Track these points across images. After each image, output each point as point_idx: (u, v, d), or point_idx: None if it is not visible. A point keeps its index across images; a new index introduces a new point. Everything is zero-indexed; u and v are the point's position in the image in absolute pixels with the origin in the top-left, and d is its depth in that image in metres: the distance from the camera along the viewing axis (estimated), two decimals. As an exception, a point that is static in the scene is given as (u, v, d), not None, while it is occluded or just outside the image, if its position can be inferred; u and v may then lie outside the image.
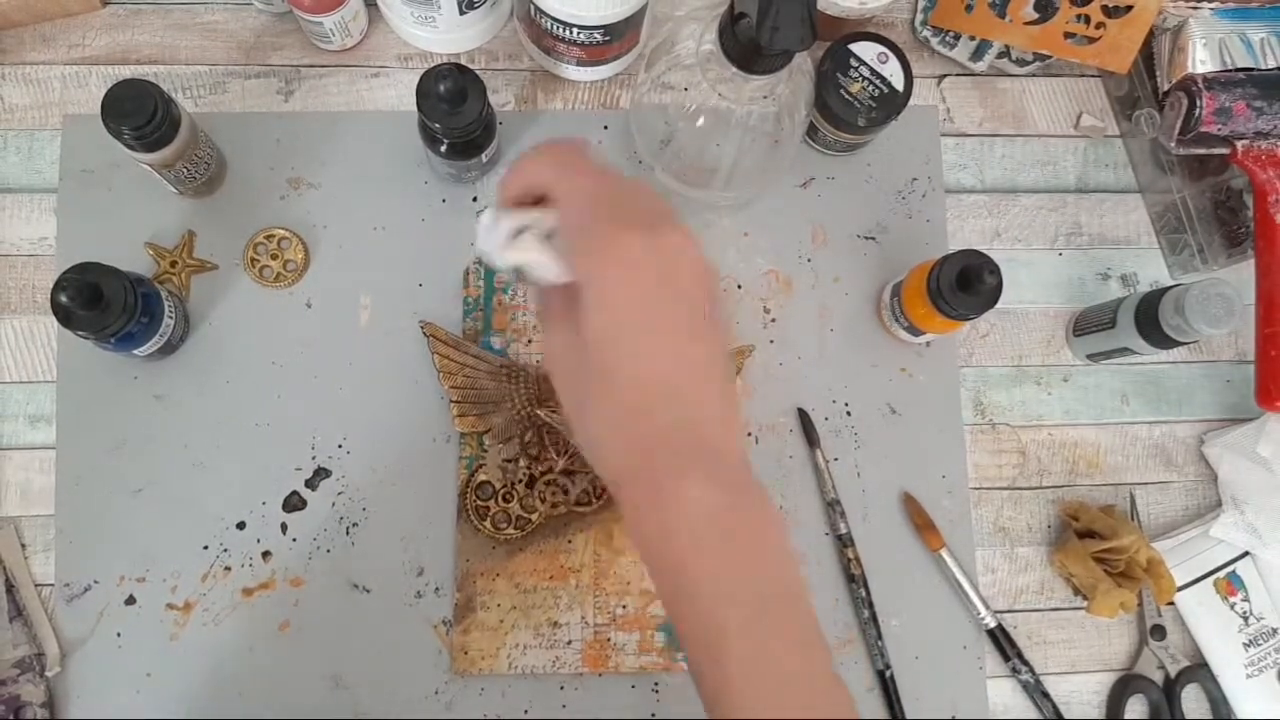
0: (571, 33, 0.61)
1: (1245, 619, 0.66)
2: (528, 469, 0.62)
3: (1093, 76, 0.73)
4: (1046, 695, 0.64)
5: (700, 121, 0.57)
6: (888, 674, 0.63)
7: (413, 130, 0.61)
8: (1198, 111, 0.63)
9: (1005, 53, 0.70)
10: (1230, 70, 0.64)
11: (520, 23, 0.67)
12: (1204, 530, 0.67)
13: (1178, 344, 0.63)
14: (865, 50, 0.64)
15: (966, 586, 0.64)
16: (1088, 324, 0.67)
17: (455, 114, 0.56)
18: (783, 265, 0.68)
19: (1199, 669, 0.66)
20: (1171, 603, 0.66)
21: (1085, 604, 0.65)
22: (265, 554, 0.61)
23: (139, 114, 0.54)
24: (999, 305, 0.59)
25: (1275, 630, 0.67)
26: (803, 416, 0.66)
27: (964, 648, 0.64)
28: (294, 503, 0.62)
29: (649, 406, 0.36)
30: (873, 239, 0.69)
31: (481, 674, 0.61)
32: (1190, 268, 0.69)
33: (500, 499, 0.62)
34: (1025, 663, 0.64)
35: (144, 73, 0.66)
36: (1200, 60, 0.64)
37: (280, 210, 0.65)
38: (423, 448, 0.63)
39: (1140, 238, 0.71)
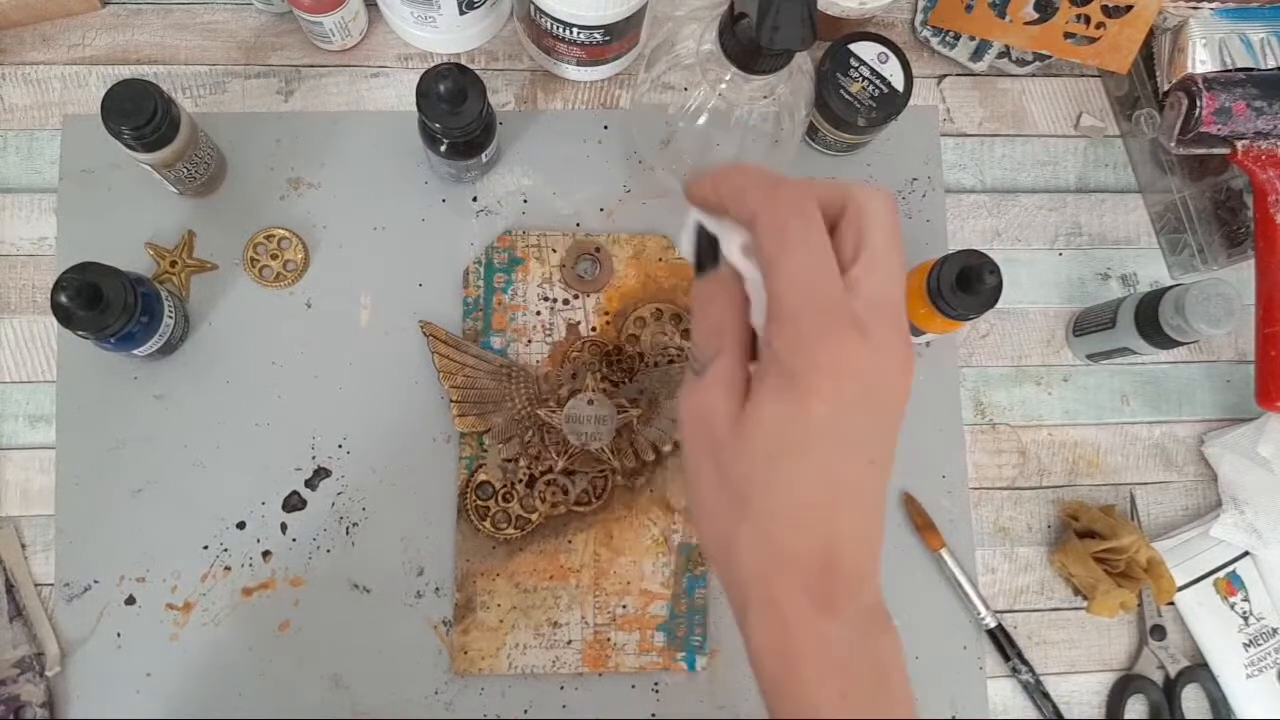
0: (571, 32, 0.61)
1: (1245, 619, 0.66)
2: (528, 469, 0.62)
3: (1093, 76, 0.73)
4: (1046, 695, 0.64)
5: (700, 121, 0.56)
6: (888, 674, 0.63)
7: (413, 130, 0.61)
8: (1198, 111, 0.63)
9: (1005, 53, 0.70)
10: (1230, 70, 0.64)
11: (520, 23, 0.67)
12: (1204, 530, 0.67)
13: (1178, 344, 0.62)
14: (865, 50, 0.64)
15: (967, 586, 0.64)
16: (1088, 324, 0.67)
17: (455, 114, 0.56)
18: (783, 265, 0.67)
19: (1199, 669, 0.66)
20: (1171, 603, 0.66)
21: (1085, 604, 0.65)
22: (265, 554, 0.61)
23: (139, 114, 0.54)
24: (999, 305, 0.59)
25: (1275, 630, 0.67)
26: (803, 416, 0.65)
27: (964, 648, 0.64)
28: (294, 502, 0.62)
29: (807, 519, 0.33)
30: (873, 239, 0.68)
31: (481, 674, 0.61)
32: (1190, 268, 0.69)
33: (500, 499, 0.62)
34: (1025, 663, 0.64)
35: (144, 73, 0.66)
36: (1200, 60, 0.64)
37: (280, 210, 0.65)
38: (423, 448, 0.63)
39: (1140, 238, 0.71)
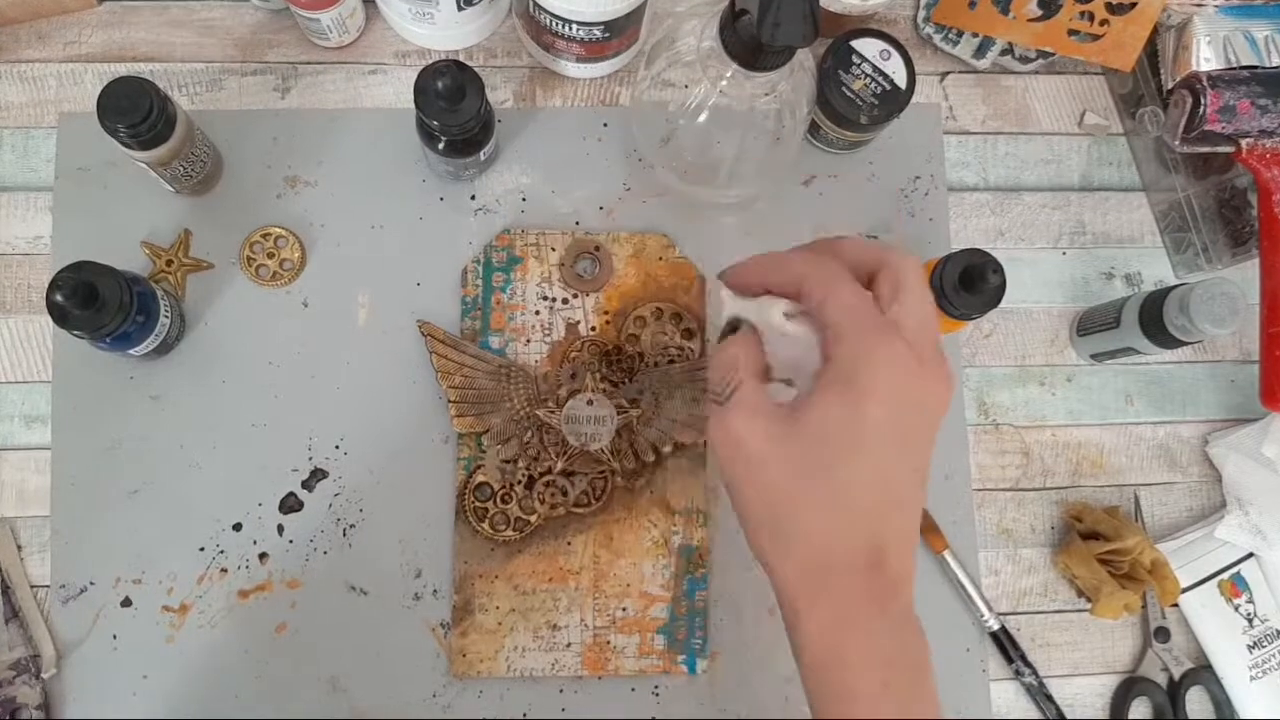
0: (571, 29, 0.61)
1: (1249, 621, 0.66)
2: (526, 470, 0.62)
3: (1096, 74, 0.72)
4: (1050, 698, 0.64)
5: (701, 119, 0.56)
6: (890, 676, 0.62)
7: (410, 128, 0.60)
8: (1202, 109, 0.62)
9: (1008, 50, 0.70)
10: (1235, 68, 0.64)
11: (519, 19, 0.66)
12: (1208, 532, 0.66)
13: (1182, 344, 0.62)
14: (867, 47, 0.63)
15: (970, 588, 0.64)
16: (1091, 324, 0.67)
17: (453, 111, 0.56)
18: (784, 264, 0.67)
19: (1203, 671, 0.65)
20: (1176, 605, 0.65)
21: (1089, 606, 0.65)
22: (262, 556, 0.61)
23: (135, 112, 0.53)
24: (1002, 305, 0.59)
25: (1279, 632, 0.66)
26: (804, 417, 0.65)
27: (967, 650, 0.64)
28: (291, 504, 0.62)
29: (861, 517, 0.36)
30: (875, 238, 0.68)
31: (480, 677, 0.60)
32: (1195, 267, 0.69)
33: (499, 500, 0.62)
34: (1029, 665, 0.64)
35: (140, 70, 0.65)
36: (1205, 58, 0.64)
37: (277, 208, 0.64)
38: (421, 448, 0.63)
39: (1144, 237, 0.71)
